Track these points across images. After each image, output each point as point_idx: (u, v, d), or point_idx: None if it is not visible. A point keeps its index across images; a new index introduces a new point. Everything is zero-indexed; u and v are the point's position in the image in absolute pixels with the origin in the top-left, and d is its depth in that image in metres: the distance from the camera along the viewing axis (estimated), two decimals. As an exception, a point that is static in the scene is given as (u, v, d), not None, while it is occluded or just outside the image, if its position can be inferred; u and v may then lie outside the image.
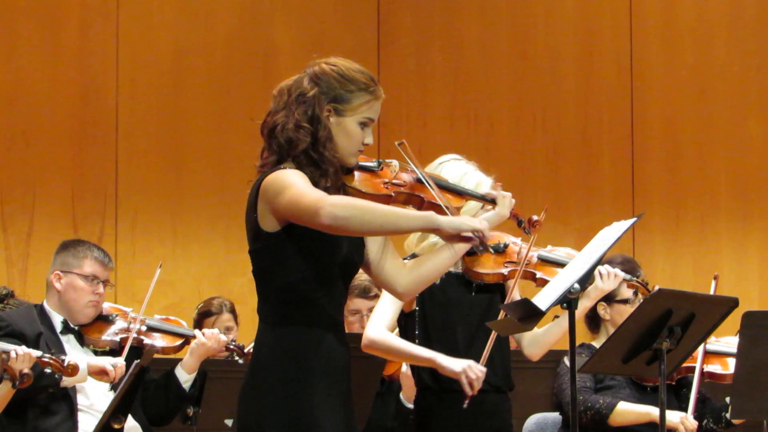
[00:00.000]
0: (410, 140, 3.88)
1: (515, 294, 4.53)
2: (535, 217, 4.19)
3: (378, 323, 4.39)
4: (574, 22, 8.20)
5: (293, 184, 3.54)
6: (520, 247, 4.52)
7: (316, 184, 3.61)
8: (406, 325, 4.51)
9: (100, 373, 4.94)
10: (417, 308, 4.45)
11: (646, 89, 8.15)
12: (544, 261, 4.54)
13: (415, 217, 3.52)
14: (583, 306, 4.62)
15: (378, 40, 8.10)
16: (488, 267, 4.47)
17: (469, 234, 3.49)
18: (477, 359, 4.40)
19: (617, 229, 4.12)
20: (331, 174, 3.65)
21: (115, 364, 4.88)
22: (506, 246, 4.53)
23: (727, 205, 8.10)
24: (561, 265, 4.49)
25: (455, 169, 4.45)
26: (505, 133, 8.10)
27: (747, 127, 8.13)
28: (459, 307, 4.42)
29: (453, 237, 3.52)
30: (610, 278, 4.61)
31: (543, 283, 4.43)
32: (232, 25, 7.98)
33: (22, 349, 4.68)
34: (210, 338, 5.18)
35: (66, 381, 4.90)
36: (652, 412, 5.11)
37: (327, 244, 3.61)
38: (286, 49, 7.86)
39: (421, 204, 3.87)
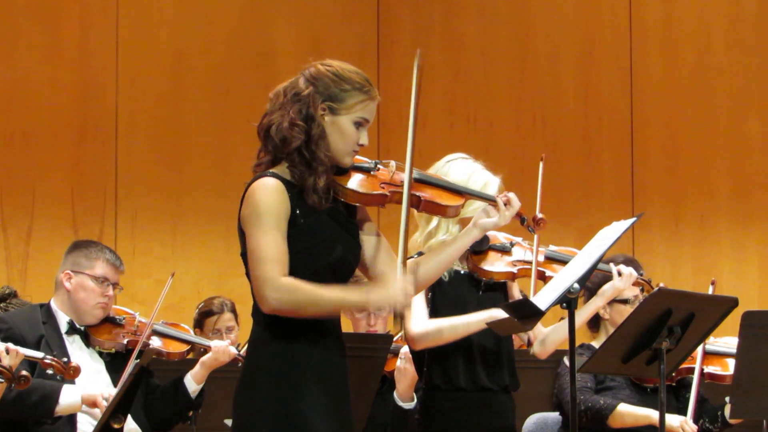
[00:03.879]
0: (410, 140, 3.86)
1: (516, 293, 4.54)
2: (539, 215, 4.18)
3: (418, 318, 4.34)
4: (574, 22, 8.20)
5: (259, 229, 3.57)
6: (527, 247, 4.51)
7: (304, 182, 3.63)
8: None
9: (91, 405, 4.93)
10: (429, 300, 4.44)
11: (646, 89, 8.14)
12: (551, 259, 4.55)
13: (351, 301, 3.65)
14: (595, 305, 4.65)
15: (378, 40, 8.09)
16: (497, 266, 4.47)
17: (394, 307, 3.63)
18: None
19: (617, 229, 4.12)
20: (322, 173, 3.66)
21: (108, 398, 4.85)
22: (513, 245, 4.53)
23: (727, 205, 8.09)
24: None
25: (462, 168, 4.43)
26: (505, 133, 8.09)
27: (747, 127, 8.13)
28: (468, 305, 4.40)
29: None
30: (627, 278, 4.63)
31: None
32: (232, 25, 7.98)
33: (11, 346, 4.65)
34: (219, 352, 5.16)
35: (60, 409, 4.89)
36: (652, 415, 5.08)
37: (319, 246, 3.63)
38: (286, 49, 7.86)
39: (419, 203, 3.87)
